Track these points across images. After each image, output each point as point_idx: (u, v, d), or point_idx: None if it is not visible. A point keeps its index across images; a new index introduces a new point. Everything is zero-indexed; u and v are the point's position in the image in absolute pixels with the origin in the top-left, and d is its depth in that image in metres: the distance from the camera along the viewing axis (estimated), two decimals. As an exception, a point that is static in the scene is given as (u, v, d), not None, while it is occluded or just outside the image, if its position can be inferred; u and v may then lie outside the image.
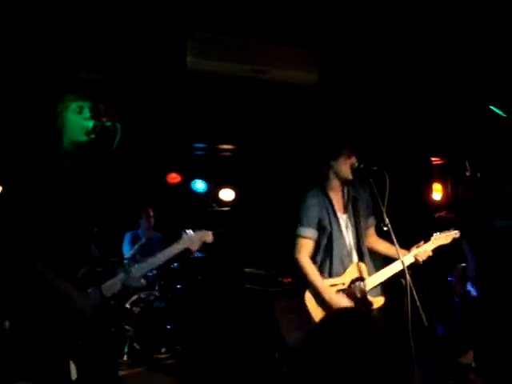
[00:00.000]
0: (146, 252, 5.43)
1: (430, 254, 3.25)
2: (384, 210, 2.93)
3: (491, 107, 4.82)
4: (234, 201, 7.02)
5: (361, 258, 3.21)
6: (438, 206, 6.45)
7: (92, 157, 2.49)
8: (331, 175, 3.25)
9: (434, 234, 3.34)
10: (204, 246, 2.78)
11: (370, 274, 3.18)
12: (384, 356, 1.09)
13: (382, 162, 3.14)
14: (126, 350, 5.05)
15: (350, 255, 3.21)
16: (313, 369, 1.11)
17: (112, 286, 2.43)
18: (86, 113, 2.36)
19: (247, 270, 5.40)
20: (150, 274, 5.58)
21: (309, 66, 4.14)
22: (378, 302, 3.17)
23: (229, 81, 4.24)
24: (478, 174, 6.05)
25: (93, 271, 2.46)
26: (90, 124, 2.33)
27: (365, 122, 5.31)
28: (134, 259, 5.26)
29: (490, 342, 4.29)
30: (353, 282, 3.14)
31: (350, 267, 3.17)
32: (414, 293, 2.77)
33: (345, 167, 3.17)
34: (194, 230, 2.73)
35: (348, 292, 3.13)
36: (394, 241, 2.93)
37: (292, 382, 1.16)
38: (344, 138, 3.29)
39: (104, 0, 3.27)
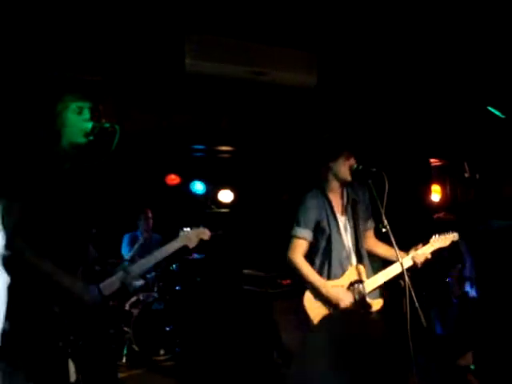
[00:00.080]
0: (144, 253, 5.43)
1: (429, 256, 3.24)
2: (383, 211, 2.92)
3: (489, 108, 4.83)
4: (232, 202, 7.03)
5: (360, 261, 3.20)
6: (437, 207, 6.46)
7: (91, 158, 2.49)
8: (330, 177, 3.24)
9: (433, 237, 3.33)
10: (203, 248, 2.81)
11: (368, 277, 3.18)
12: (382, 357, 1.09)
13: (381, 163, 3.14)
14: (124, 351, 5.05)
15: (348, 257, 3.20)
16: (311, 370, 1.11)
17: (111, 284, 2.44)
18: (86, 114, 2.37)
19: (246, 271, 5.40)
20: (148, 276, 5.59)
21: (308, 68, 4.14)
22: (376, 304, 3.17)
23: (228, 83, 4.24)
24: (477, 176, 6.06)
25: (91, 270, 2.47)
26: (89, 125, 2.34)
27: (364, 123, 5.32)
28: (132, 260, 5.26)
29: (488, 343, 4.29)
30: (352, 284, 3.14)
31: (348, 270, 3.16)
32: (413, 294, 2.77)
33: (343, 169, 3.17)
34: (191, 228, 2.76)
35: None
36: (393, 242, 2.93)
37: (290, 383, 1.16)
38: (343, 139, 3.29)
39: (103, 2, 3.27)
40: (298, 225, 3.22)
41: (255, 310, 5.06)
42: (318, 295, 3.11)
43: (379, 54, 4.14)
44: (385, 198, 2.93)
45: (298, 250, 3.20)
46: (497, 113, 4.84)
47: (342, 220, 3.24)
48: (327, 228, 3.19)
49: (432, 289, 4.93)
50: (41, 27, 3.41)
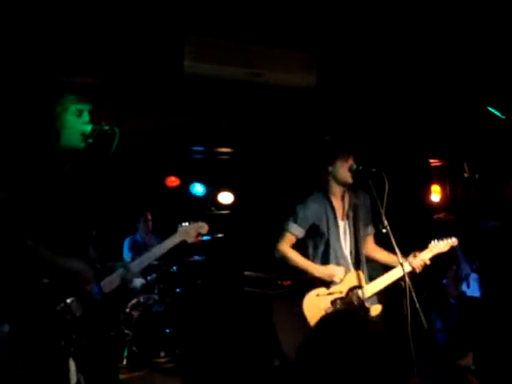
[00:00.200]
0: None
1: (428, 262, 3.21)
2: (383, 211, 2.92)
3: (489, 108, 4.83)
4: (232, 204, 7.03)
5: (358, 266, 3.19)
6: (437, 207, 6.46)
7: (90, 160, 2.49)
8: (331, 180, 3.22)
9: (432, 242, 3.30)
10: (203, 250, 2.81)
11: (366, 283, 3.17)
12: (383, 359, 1.09)
13: (381, 163, 3.13)
14: (125, 353, 5.04)
15: (347, 262, 3.19)
16: (310, 372, 1.11)
17: (111, 281, 2.45)
18: (86, 117, 2.37)
19: (246, 273, 5.39)
20: (149, 278, 5.58)
21: (307, 69, 4.13)
22: (375, 309, 3.15)
23: (227, 84, 4.24)
24: (477, 176, 6.06)
25: (92, 269, 2.47)
26: (89, 128, 2.34)
27: (363, 123, 5.32)
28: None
29: (489, 343, 4.29)
30: (351, 289, 3.12)
31: (348, 275, 3.15)
32: (414, 295, 2.76)
33: (342, 170, 3.15)
34: (189, 223, 2.77)
35: (346, 300, 3.10)
36: (393, 243, 2.92)
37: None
38: (338, 142, 3.27)
39: (102, 4, 3.27)
40: (294, 221, 3.21)
41: (256, 311, 5.05)
42: (318, 295, 3.10)
43: (378, 54, 4.14)
44: (385, 199, 2.92)
45: (287, 243, 3.22)
46: (496, 113, 4.84)
47: (342, 225, 3.23)
48: (326, 232, 3.18)
49: (430, 290, 4.93)
50: (40, 29, 3.41)
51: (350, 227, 3.23)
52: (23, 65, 3.65)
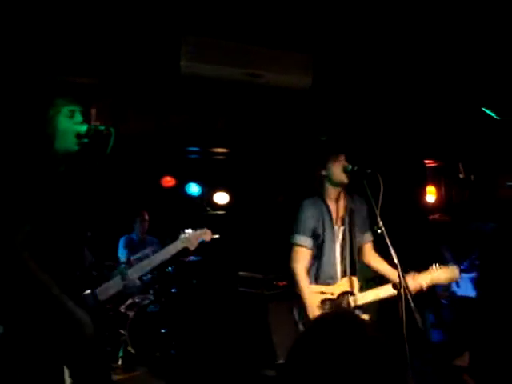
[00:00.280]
0: (137, 254, 5.45)
1: (424, 288, 3.10)
2: (378, 212, 2.91)
3: (484, 109, 4.84)
4: (228, 204, 7.03)
5: (351, 272, 3.18)
6: (432, 208, 6.47)
7: (86, 161, 2.48)
8: (325, 182, 3.21)
9: (433, 266, 3.19)
10: (199, 250, 2.78)
11: (359, 291, 3.15)
12: (378, 361, 1.09)
13: (376, 164, 3.12)
14: (120, 354, 5.03)
15: (338, 267, 3.19)
16: (304, 372, 1.11)
17: (107, 289, 2.42)
18: (78, 117, 2.36)
19: (242, 273, 5.39)
20: (144, 278, 5.57)
21: (303, 70, 4.13)
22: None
23: (223, 84, 4.23)
24: (472, 177, 6.07)
25: (88, 275, 2.45)
26: (83, 128, 2.33)
27: (359, 124, 5.33)
28: (128, 263, 5.25)
29: (484, 343, 4.30)
30: (342, 294, 3.12)
31: (343, 279, 3.16)
32: (409, 296, 2.75)
33: (336, 170, 3.13)
34: (192, 229, 2.74)
35: (335, 303, 3.10)
36: (388, 244, 2.90)
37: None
38: (328, 142, 3.27)
39: (98, 4, 3.26)
40: (297, 232, 3.18)
41: (251, 311, 5.06)
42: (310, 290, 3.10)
43: (375, 55, 4.14)
44: (380, 200, 2.91)
45: (300, 259, 3.15)
46: (491, 114, 4.85)
47: (336, 229, 3.22)
48: (321, 235, 3.17)
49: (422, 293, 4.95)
50: (37, 30, 3.39)
51: (345, 232, 3.22)
52: (19, 65, 3.63)
